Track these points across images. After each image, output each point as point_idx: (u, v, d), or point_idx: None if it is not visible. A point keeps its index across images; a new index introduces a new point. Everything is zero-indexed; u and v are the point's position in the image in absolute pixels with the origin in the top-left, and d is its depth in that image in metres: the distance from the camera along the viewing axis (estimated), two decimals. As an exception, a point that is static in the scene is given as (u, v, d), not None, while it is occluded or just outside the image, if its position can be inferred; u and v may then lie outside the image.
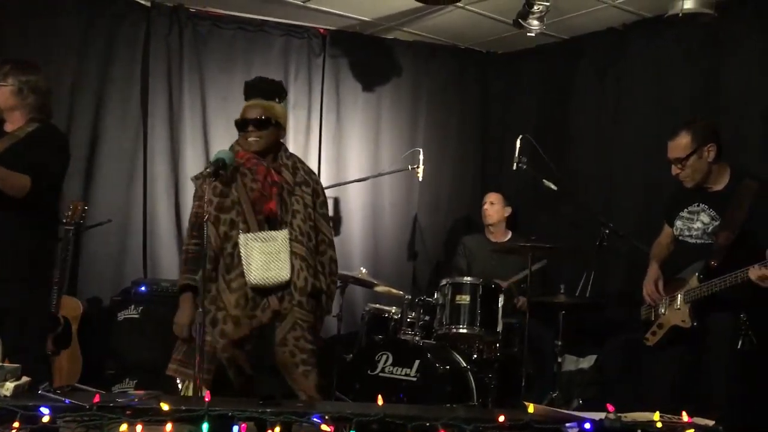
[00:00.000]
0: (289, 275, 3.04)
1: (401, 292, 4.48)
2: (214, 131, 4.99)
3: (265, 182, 3.10)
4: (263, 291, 3.05)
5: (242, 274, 3.02)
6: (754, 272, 2.99)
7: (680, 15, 3.56)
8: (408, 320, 4.25)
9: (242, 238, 3.03)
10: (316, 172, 5.26)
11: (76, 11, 4.67)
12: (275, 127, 3.16)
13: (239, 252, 3.03)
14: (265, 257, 3.01)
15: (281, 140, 3.24)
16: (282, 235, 3.05)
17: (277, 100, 3.24)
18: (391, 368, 4.00)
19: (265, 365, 3.08)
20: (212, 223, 3.02)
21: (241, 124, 3.15)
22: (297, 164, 3.22)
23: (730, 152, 3.39)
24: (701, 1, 3.50)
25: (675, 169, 3.32)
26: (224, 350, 2.98)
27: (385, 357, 4.04)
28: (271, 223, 3.09)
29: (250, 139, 3.13)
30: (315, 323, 3.14)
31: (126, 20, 4.81)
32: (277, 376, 3.08)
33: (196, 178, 3.17)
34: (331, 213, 5.31)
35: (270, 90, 3.22)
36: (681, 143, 3.27)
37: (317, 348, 3.12)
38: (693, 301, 3.23)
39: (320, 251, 3.19)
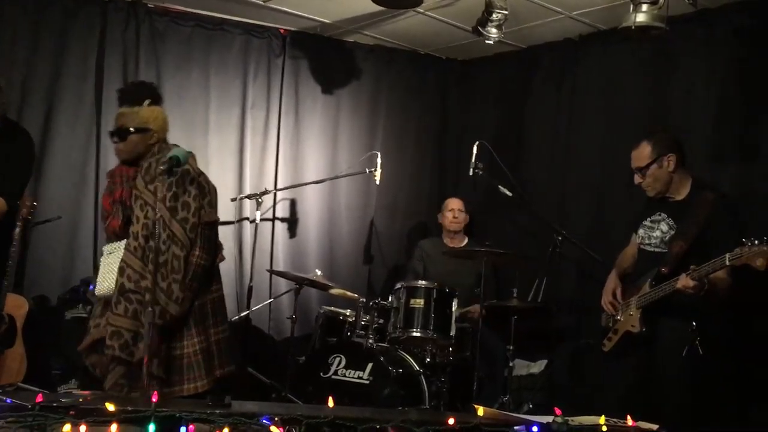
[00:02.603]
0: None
1: (356, 295, 4.47)
2: (169, 130, 4.90)
3: (107, 200, 3.14)
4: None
5: None
6: (680, 281, 3.09)
7: (633, 27, 3.64)
8: (362, 323, 4.25)
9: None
10: (273, 173, 5.26)
11: (24, 2, 4.55)
12: (137, 133, 3.13)
13: None
14: (104, 269, 3.08)
15: (156, 141, 3.19)
16: (121, 246, 3.08)
17: (147, 102, 3.17)
18: (344, 371, 3.99)
19: None
20: None
21: (116, 132, 3.16)
22: (156, 161, 3.10)
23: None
24: (653, 15, 3.59)
25: (637, 178, 3.41)
26: (84, 357, 3.14)
27: (338, 359, 4.03)
28: (115, 236, 3.12)
29: (118, 146, 3.16)
30: (132, 330, 2.97)
31: (80, 14, 4.71)
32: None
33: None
34: (287, 215, 5.33)
35: (133, 93, 3.17)
36: (642, 153, 3.37)
37: (124, 355, 2.98)
38: (644, 306, 3.30)
39: (162, 249, 2.99)
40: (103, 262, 3.09)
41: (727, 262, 2.95)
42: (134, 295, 2.99)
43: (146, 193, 3.07)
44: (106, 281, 3.05)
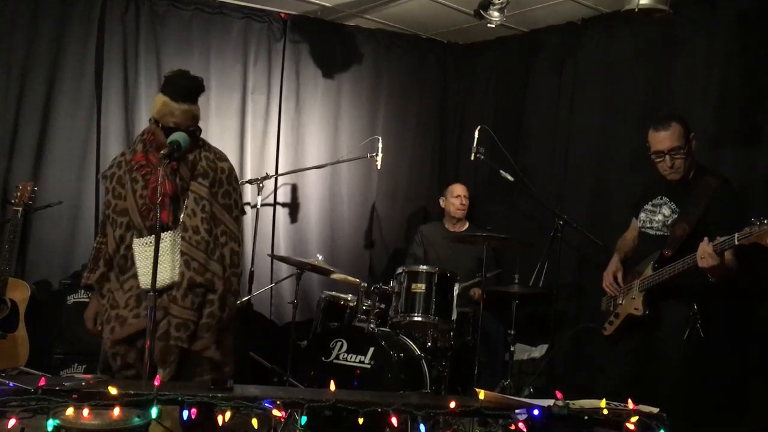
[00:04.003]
0: (176, 277, 3.01)
1: (357, 280, 4.48)
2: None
3: (154, 194, 2.99)
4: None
5: (134, 276, 3.03)
6: (702, 246, 3.03)
7: (636, 10, 3.61)
8: (363, 308, 4.26)
9: (135, 243, 3.03)
10: (274, 158, 5.25)
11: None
12: (197, 131, 3.10)
13: (132, 255, 3.04)
14: (149, 261, 2.94)
15: None
16: (168, 237, 3.01)
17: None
18: (346, 355, 4.01)
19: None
20: (110, 225, 3.07)
21: (174, 131, 2.98)
22: (199, 155, 3.10)
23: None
24: (657, -3, 3.57)
25: (669, 161, 3.29)
26: (110, 347, 3.02)
27: (339, 344, 4.04)
28: (163, 228, 3.00)
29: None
30: (195, 321, 3.01)
31: (80, -4, 4.69)
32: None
33: (103, 177, 3.16)
34: (288, 200, 5.33)
35: (199, 92, 3.08)
36: (677, 132, 3.28)
37: (189, 346, 3.00)
38: (647, 289, 3.30)
39: (220, 243, 3.09)
40: (147, 254, 2.99)
41: (736, 241, 2.93)
42: (200, 288, 3.04)
43: (200, 188, 3.07)
44: (159, 272, 2.90)
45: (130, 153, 3.15)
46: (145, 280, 2.99)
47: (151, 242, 2.98)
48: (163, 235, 2.97)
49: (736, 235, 2.93)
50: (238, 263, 3.14)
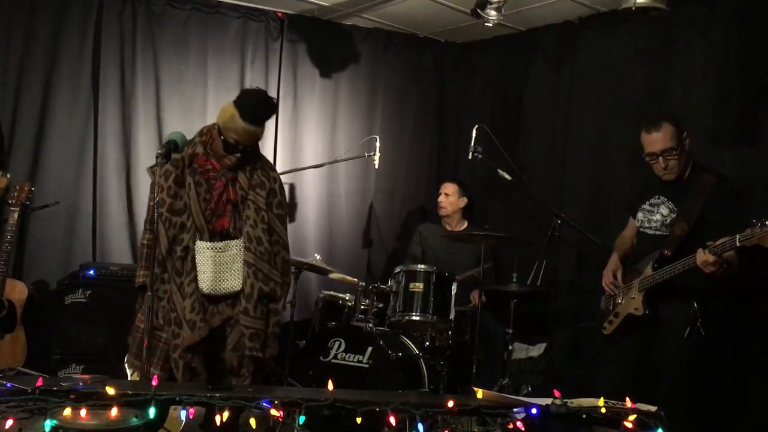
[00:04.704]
0: (240, 285, 3.08)
1: (355, 279, 4.48)
2: (167, 113, 4.90)
3: (219, 200, 3.09)
4: (214, 297, 3.09)
5: (195, 280, 3.05)
6: (700, 257, 3.04)
7: (633, 8, 3.61)
8: (362, 307, 4.26)
9: (198, 245, 3.06)
10: (272, 158, 5.24)
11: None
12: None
13: (193, 257, 3.05)
14: (218, 267, 3.06)
15: None
16: (236, 245, 3.09)
17: None
18: (344, 355, 4.00)
19: (212, 367, 3.08)
20: (162, 223, 3.04)
21: (233, 147, 3.08)
22: (255, 164, 3.19)
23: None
24: (654, -5, 3.56)
25: (663, 162, 3.28)
26: (181, 353, 3.02)
27: (337, 343, 4.04)
28: (223, 234, 3.10)
29: (230, 159, 3.11)
30: (264, 330, 3.12)
31: (76, -3, 4.68)
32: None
33: (152, 169, 3.16)
34: (286, 199, 5.32)
35: (270, 117, 3.16)
36: (669, 133, 3.26)
37: (263, 354, 3.11)
38: (647, 289, 3.29)
39: (273, 252, 3.17)
40: (213, 259, 3.06)
41: (738, 243, 2.92)
42: (266, 298, 3.12)
43: (258, 198, 3.14)
44: (222, 281, 3.07)
45: (189, 153, 3.14)
46: (208, 286, 3.04)
47: (219, 248, 3.07)
48: (229, 243, 3.08)
49: (738, 236, 2.91)
50: (288, 271, 3.25)
